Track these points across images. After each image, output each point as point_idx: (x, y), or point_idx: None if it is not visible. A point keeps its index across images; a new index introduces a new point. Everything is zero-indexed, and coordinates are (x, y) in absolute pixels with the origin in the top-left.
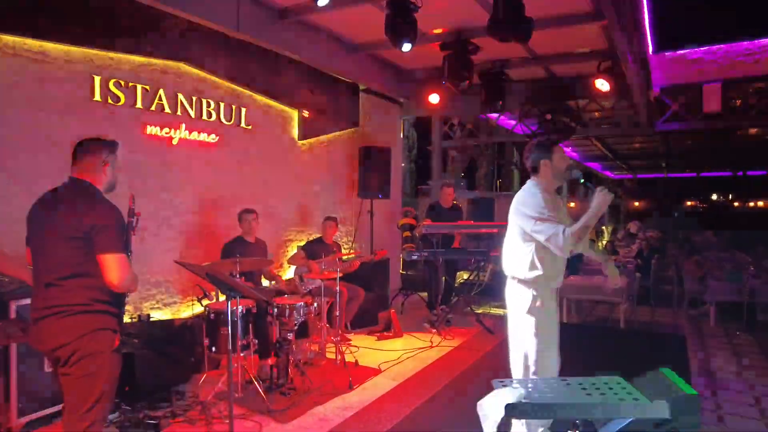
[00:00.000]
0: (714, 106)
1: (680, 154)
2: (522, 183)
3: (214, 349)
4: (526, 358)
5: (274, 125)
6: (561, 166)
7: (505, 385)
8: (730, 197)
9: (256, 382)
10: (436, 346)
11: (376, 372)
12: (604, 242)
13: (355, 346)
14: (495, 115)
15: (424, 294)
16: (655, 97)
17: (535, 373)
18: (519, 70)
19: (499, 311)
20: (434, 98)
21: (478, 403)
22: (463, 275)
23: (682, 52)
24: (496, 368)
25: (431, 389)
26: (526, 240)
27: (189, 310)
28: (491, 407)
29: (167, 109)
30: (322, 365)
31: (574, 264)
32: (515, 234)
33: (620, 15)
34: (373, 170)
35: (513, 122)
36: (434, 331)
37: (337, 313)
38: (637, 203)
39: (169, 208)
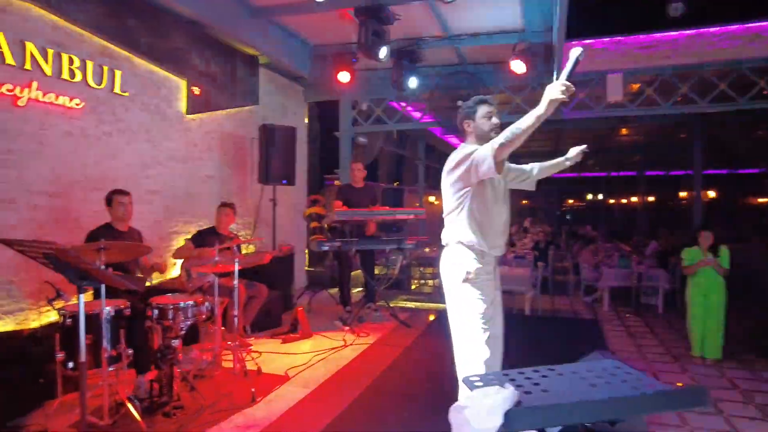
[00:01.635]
0: (615, 95)
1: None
2: (427, 178)
3: (71, 365)
4: (467, 338)
5: (157, 94)
6: (485, 128)
7: (482, 384)
8: (602, 196)
9: (129, 404)
10: (350, 344)
11: (283, 379)
12: None
13: (257, 352)
14: (403, 102)
15: (334, 290)
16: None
17: (483, 357)
18: (432, 53)
19: (412, 304)
20: (344, 76)
21: (452, 408)
22: (377, 269)
23: (588, 41)
24: (420, 363)
25: (351, 394)
26: (459, 201)
27: (42, 318)
28: (477, 416)
29: (9, 60)
30: (217, 376)
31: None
32: (449, 199)
33: None
34: (277, 153)
35: (420, 113)
36: (347, 329)
37: (235, 314)
38: (525, 201)
39: (14, 187)
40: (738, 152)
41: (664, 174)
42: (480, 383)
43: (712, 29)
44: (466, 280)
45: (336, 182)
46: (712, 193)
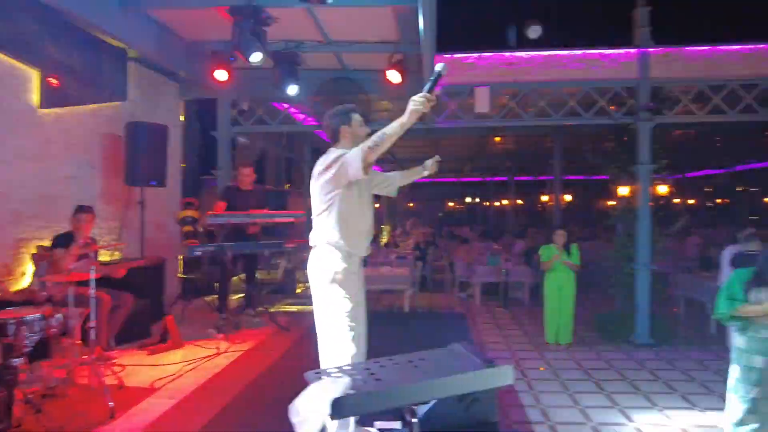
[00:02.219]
0: (483, 107)
1: (446, 161)
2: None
3: None
4: (334, 336)
5: (3, 85)
6: (361, 133)
7: (322, 377)
8: (479, 199)
9: None
10: (224, 352)
11: (148, 392)
12: (385, 239)
13: (120, 365)
14: (285, 104)
15: (212, 298)
16: (437, 95)
17: (351, 353)
18: (313, 58)
19: (295, 308)
20: (221, 75)
21: (292, 405)
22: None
23: (459, 55)
24: (297, 367)
25: (220, 402)
26: (328, 203)
27: None
28: (309, 407)
29: None
30: (71, 394)
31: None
32: (318, 201)
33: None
34: (145, 152)
35: (304, 116)
36: (222, 336)
37: (92, 326)
38: (411, 204)
39: None
40: (590, 161)
41: (531, 179)
42: (319, 377)
43: (562, 52)
44: (333, 281)
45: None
46: (568, 197)
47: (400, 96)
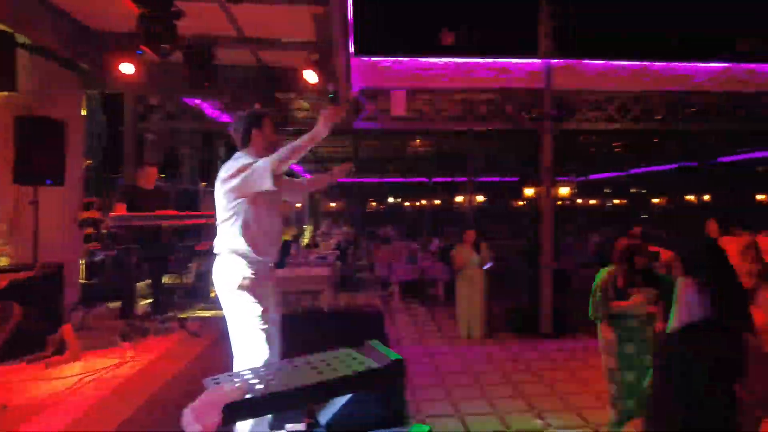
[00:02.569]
0: (399, 110)
1: (368, 161)
2: None
3: None
4: (247, 343)
5: None
6: (272, 139)
7: (218, 383)
8: (400, 199)
9: None
10: (128, 362)
11: (37, 410)
12: (306, 240)
13: (5, 383)
14: (198, 100)
15: (117, 304)
16: (354, 97)
17: (263, 359)
18: (229, 54)
19: (209, 313)
20: (127, 68)
21: (184, 412)
22: (166, 278)
23: (376, 58)
24: (207, 373)
25: (121, 414)
26: (233, 211)
27: None
28: (202, 413)
29: None
30: None
31: (281, 258)
32: (223, 208)
33: (341, 6)
34: (39, 148)
35: (218, 112)
36: (127, 345)
37: None
38: (333, 204)
39: None
40: (503, 163)
41: (449, 180)
42: (217, 382)
43: (474, 60)
44: (240, 287)
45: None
46: (481, 198)
47: (320, 98)
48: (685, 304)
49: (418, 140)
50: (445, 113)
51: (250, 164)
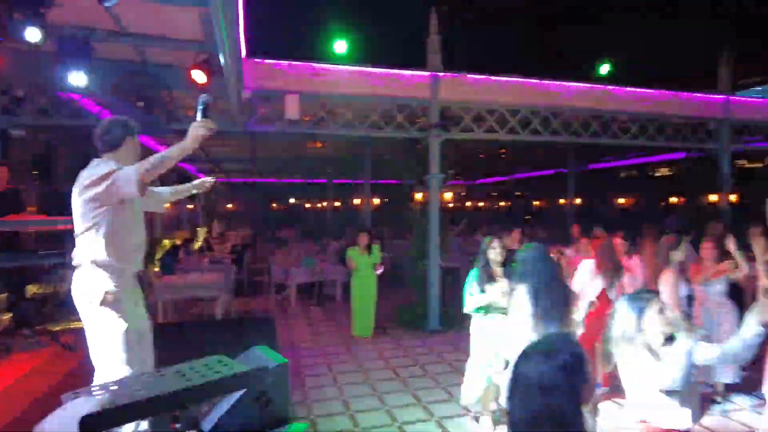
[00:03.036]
0: (293, 113)
1: (266, 161)
2: None
3: None
4: (111, 359)
5: None
6: (138, 150)
7: (77, 396)
8: (301, 199)
9: None
10: None
11: None
12: (200, 243)
13: None
14: (76, 96)
15: None
16: (247, 99)
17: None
18: (110, 48)
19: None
20: None
21: (35, 429)
22: (34, 288)
23: (269, 61)
24: (83, 387)
25: None
26: (95, 220)
27: None
28: (58, 429)
29: None
30: None
31: (168, 264)
32: (82, 217)
33: (229, 7)
34: None
35: (99, 108)
36: None
37: None
38: (230, 205)
39: None
40: (396, 168)
41: (349, 182)
42: (77, 396)
43: (366, 68)
44: (104, 302)
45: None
46: (377, 200)
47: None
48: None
49: (318, 143)
50: (339, 119)
51: (114, 171)
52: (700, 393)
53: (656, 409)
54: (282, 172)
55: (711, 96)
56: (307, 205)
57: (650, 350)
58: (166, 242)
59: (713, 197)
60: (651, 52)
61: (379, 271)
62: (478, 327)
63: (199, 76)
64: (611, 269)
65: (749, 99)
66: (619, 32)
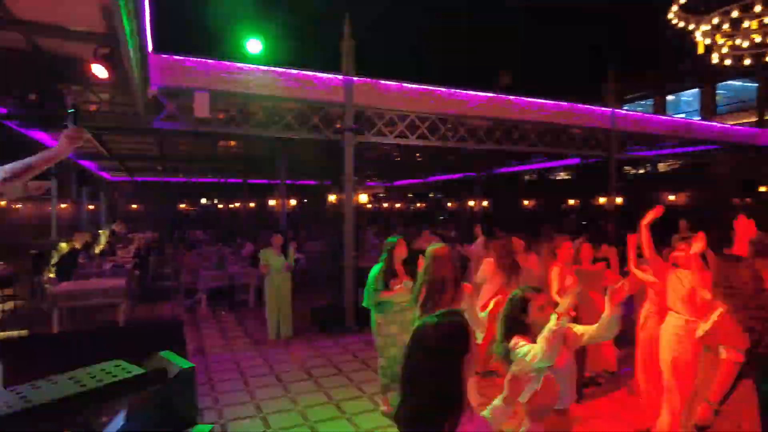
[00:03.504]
0: (203, 111)
1: (175, 160)
2: None
3: None
4: None
5: None
6: None
7: None
8: (215, 201)
9: None
10: None
11: None
12: (102, 246)
13: None
14: None
15: None
16: (153, 95)
17: None
18: None
19: None
20: None
21: None
22: None
23: (178, 57)
24: None
25: None
26: None
27: None
28: None
29: None
30: None
31: (65, 269)
32: None
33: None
34: None
35: None
36: None
37: None
38: (135, 205)
39: None
40: (312, 169)
41: (264, 182)
42: None
43: (281, 69)
44: None
45: None
46: (293, 201)
47: (105, 89)
48: None
49: (231, 141)
50: (252, 118)
51: None
52: (584, 375)
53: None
54: (193, 171)
55: (600, 108)
56: (220, 206)
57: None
58: (63, 246)
59: (602, 200)
60: (550, 65)
61: (288, 267)
62: (379, 322)
63: (99, 71)
64: (508, 267)
65: (631, 113)
66: (523, 45)
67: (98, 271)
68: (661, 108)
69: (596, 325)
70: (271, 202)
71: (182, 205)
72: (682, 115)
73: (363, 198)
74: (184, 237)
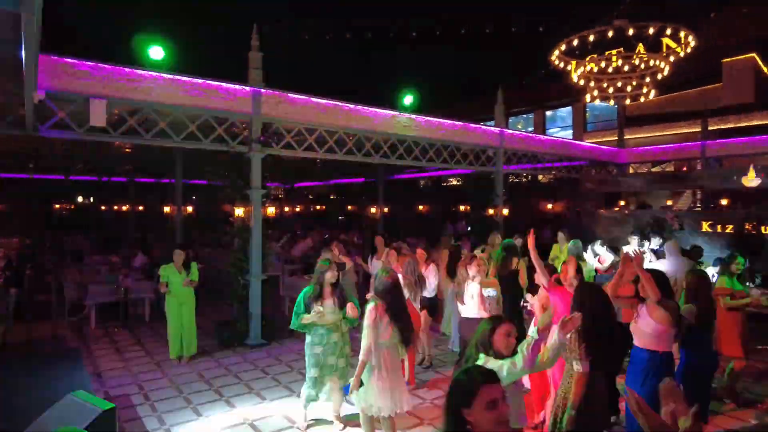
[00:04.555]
0: (99, 120)
1: (52, 158)
2: None
3: None
4: None
5: None
6: None
7: None
8: (94, 200)
9: None
10: None
11: None
12: None
13: None
14: None
15: None
16: (40, 100)
17: None
18: None
19: None
20: None
21: None
22: None
23: (70, 60)
24: None
25: None
26: None
27: None
28: None
29: None
30: None
31: None
32: None
33: None
34: None
35: None
36: None
37: None
38: None
39: None
40: (210, 169)
41: (154, 181)
42: None
43: (185, 78)
44: None
45: None
46: (190, 208)
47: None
48: None
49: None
50: (151, 127)
51: None
52: None
53: None
54: (71, 169)
55: (490, 128)
56: (103, 207)
57: None
58: None
59: (491, 210)
60: (448, 82)
61: (190, 286)
62: (307, 342)
63: None
64: (414, 283)
65: (516, 132)
66: (422, 62)
67: None
68: (540, 121)
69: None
70: (166, 209)
71: (56, 206)
72: (558, 130)
73: (270, 210)
74: (59, 244)
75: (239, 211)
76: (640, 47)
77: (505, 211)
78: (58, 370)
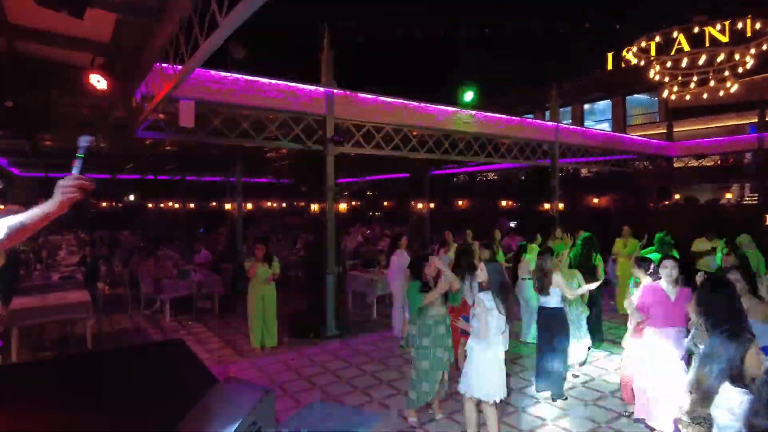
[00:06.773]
0: (188, 121)
1: (111, 156)
2: None
3: None
4: None
5: None
6: None
7: None
8: (141, 197)
9: None
10: None
11: None
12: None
13: None
14: None
15: None
16: (137, 104)
17: None
18: None
19: None
20: None
21: None
22: None
23: (164, 65)
24: None
25: None
26: None
27: None
28: None
29: None
30: None
31: (5, 285)
32: None
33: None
34: None
35: None
36: None
37: None
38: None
39: None
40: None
41: (209, 180)
42: None
43: (264, 80)
44: None
45: None
46: (249, 205)
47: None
48: None
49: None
50: (235, 128)
51: None
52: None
53: None
54: (118, 168)
55: (546, 123)
56: (150, 205)
57: None
58: None
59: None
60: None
61: (272, 281)
62: (413, 334)
63: (97, 81)
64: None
65: (571, 127)
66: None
67: (45, 284)
68: (579, 115)
69: None
70: (227, 206)
71: (103, 204)
72: (596, 123)
73: (342, 207)
74: (117, 240)
75: (315, 208)
76: (720, 37)
77: (561, 206)
78: (171, 363)
